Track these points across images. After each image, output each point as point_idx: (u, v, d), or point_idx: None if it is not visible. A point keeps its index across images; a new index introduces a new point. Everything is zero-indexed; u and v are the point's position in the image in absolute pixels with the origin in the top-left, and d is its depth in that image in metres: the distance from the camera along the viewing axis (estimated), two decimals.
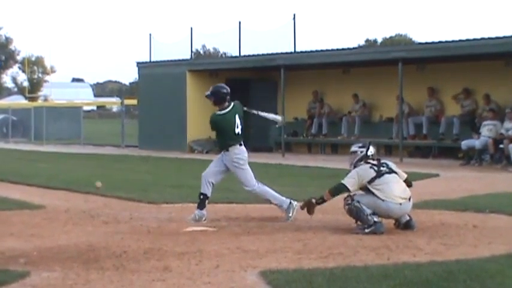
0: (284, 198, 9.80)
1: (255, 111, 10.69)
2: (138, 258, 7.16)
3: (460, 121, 20.43)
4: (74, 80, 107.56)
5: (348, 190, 8.76)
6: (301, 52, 23.86)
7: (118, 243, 8.03)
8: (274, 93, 25.95)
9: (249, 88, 26.19)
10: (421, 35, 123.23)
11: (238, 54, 25.79)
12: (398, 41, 66.33)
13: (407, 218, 8.78)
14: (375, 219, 8.49)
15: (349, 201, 8.67)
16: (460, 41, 20.06)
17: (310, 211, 9.05)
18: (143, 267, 6.78)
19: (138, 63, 28.63)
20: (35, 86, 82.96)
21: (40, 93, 79.17)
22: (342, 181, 8.79)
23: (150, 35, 28.12)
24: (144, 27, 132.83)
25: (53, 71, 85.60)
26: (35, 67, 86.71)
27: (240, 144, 9.86)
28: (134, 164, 21.05)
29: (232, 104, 10.00)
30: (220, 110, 9.91)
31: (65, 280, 6.29)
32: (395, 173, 8.86)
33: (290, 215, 9.63)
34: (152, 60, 28.11)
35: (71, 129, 37.73)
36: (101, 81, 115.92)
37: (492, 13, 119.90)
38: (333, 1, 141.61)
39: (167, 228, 9.19)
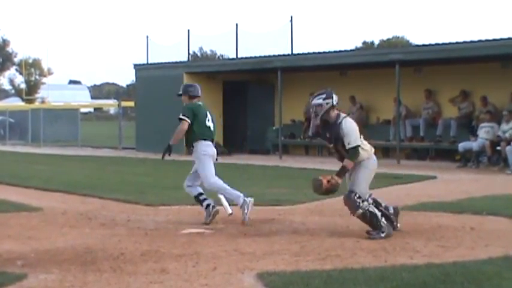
0: (239, 193, 9.66)
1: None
2: (136, 260, 7.15)
3: (457, 123, 20.46)
4: (71, 82, 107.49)
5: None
6: (299, 54, 23.86)
7: (115, 245, 8.03)
8: (271, 95, 25.99)
9: (246, 90, 26.25)
10: (418, 37, 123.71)
11: (235, 57, 25.78)
12: (395, 43, 66.30)
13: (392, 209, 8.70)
14: (383, 221, 8.40)
15: (363, 206, 8.31)
16: (457, 43, 20.08)
17: (335, 188, 8.46)
18: (140, 269, 6.78)
19: (135, 65, 28.63)
20: (32, 88, 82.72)
21: (37, 95, 79.03)
22: (353, 144, 8.34)
23: (147, 37, 28.17)
24: (142, 30, 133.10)
25: (50, 73, 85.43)
26: (32, 69, 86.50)
27: (211, 140, 9.86)
28: (131, 166, 21.05)
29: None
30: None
31: (62, 282, 6.29)
32: None
33: (246, 211, 9.53)
34: (149, 62, 28.10)
35: (68, 131, 37.71)
36: (98, 83, 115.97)
37: (489, 15, 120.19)
38: (330, 3, 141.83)
39: (164, 230, 9.19)
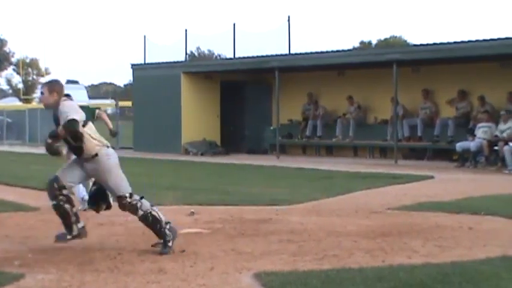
0: (84, 193, 9.90)
1: None
2: (133, 260, 7.15)
3: (455, 123, 20.47)
4: (69, 81, 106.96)
5: None
6: (296, 54, 23.86)
7: (113, 245, 8.03)
8: (268, 95, 26.00)
9: (243, 90, 26.25)
10: (415, 37, 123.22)
11: (233, 56, 25.79)
12: (393, 43, 66.33)
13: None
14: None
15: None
16: (454, 43, 20.10)
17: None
18: (138, 269, 6.77)
19: (133, 65, 28.59)
20: (29, 87, 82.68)
21: (35, 95, 78.95)
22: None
23: (144, 36, 28.11)
24: (139, 29, 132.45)
25: (47, 72, 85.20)
26: (30, 69, 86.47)
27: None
28: (129, 166, 20.87)
29: None
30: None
31: (59, 282, 6.28)
32: None
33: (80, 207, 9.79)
34: (147, 62, 28.08)
35: None
36: (95, 83, 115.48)
37: (486, 15, 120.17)
38: (328, 3, 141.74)
39: None
